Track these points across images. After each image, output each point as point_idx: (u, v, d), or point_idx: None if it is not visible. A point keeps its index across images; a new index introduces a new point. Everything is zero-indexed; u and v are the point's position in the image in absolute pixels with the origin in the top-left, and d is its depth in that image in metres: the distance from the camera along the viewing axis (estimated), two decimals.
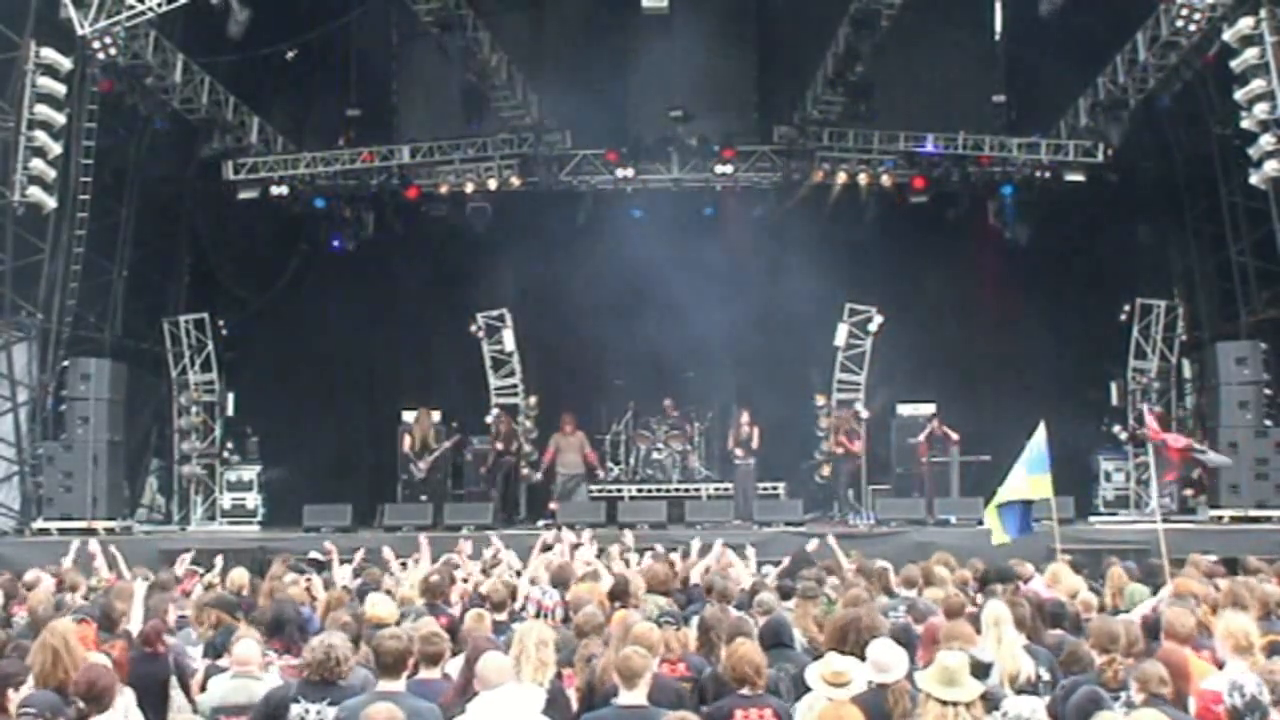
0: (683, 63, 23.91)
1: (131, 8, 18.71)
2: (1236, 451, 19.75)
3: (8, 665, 7.16)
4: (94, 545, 13.92)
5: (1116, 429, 22.42)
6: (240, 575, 12.14)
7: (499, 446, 22.31)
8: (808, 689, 7.20)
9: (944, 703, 6.58)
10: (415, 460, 21.95)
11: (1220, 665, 7.68)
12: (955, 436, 21.63)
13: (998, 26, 24.52)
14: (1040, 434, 13.59)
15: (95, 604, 10.18)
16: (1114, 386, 22.75)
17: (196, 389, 23.44)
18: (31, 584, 12.07)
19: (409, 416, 22.42)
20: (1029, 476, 13.71)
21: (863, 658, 7.20)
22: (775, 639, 8.23)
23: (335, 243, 25.03)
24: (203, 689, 8.25)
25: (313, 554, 15.28)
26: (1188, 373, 22.94)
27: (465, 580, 12.02)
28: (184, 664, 8.71)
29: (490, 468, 22.27)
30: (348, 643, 7.52)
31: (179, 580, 12.83)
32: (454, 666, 7.64)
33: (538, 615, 9.68)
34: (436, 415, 22.55)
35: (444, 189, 24.64)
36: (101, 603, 9.86)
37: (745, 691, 7.16)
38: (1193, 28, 18.50)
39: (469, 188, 24.47)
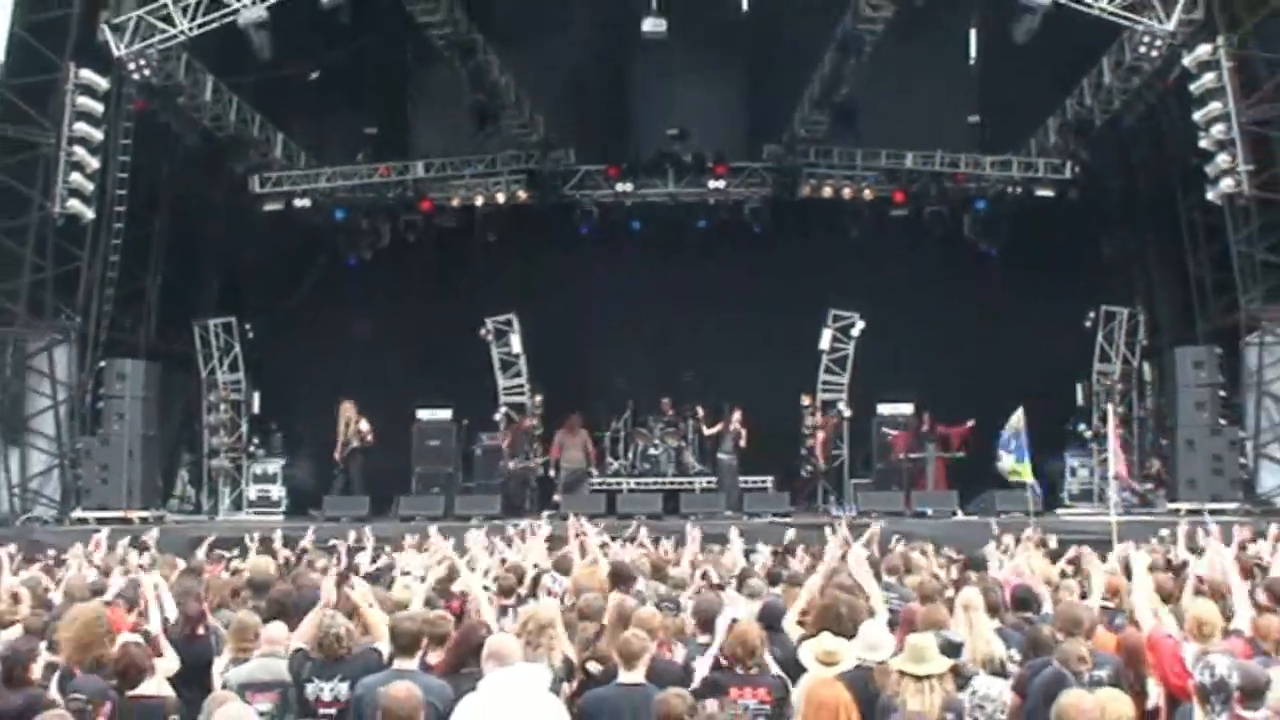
0: (679, 84, 24.12)
1: (164, 32, 18.77)
2: (1194, 449, 19.86)
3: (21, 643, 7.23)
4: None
5: (1081, 428, 22.48)
6: (263, 561, 12.15)
7: (523, 457, 22.43)
8: (799, 669, 7.24)
9: (918, 677, 6.67)
10: (340, 450, 22.00)
11: None
12: (953, 430, 21.76)
13: (973, 52, 24.60)
14: (1020, 419, 13.71)
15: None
16: (1080, 388, 22.81)
17: (224, 388, 23.47)
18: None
19: (424, 414, 22.43)
20: (1016, 464, 13.93)
21: (850, 638, 7.26)
22: (768, 622, 8.27)
23: (352, 260, 25.11)
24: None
25: (332, 541, 15.29)
26: (1148, 376, 22.97)
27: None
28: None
29: (515, 472, 22.35)
30: (342, 619, 7.57)
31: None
32: None
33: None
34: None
35: (455, 201, 24.72)
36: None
37: (741, 670, 7.21)
38: (1155, 54, 18.60)
39: (479, 200, 24.52)
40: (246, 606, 9.26)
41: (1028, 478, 15.63)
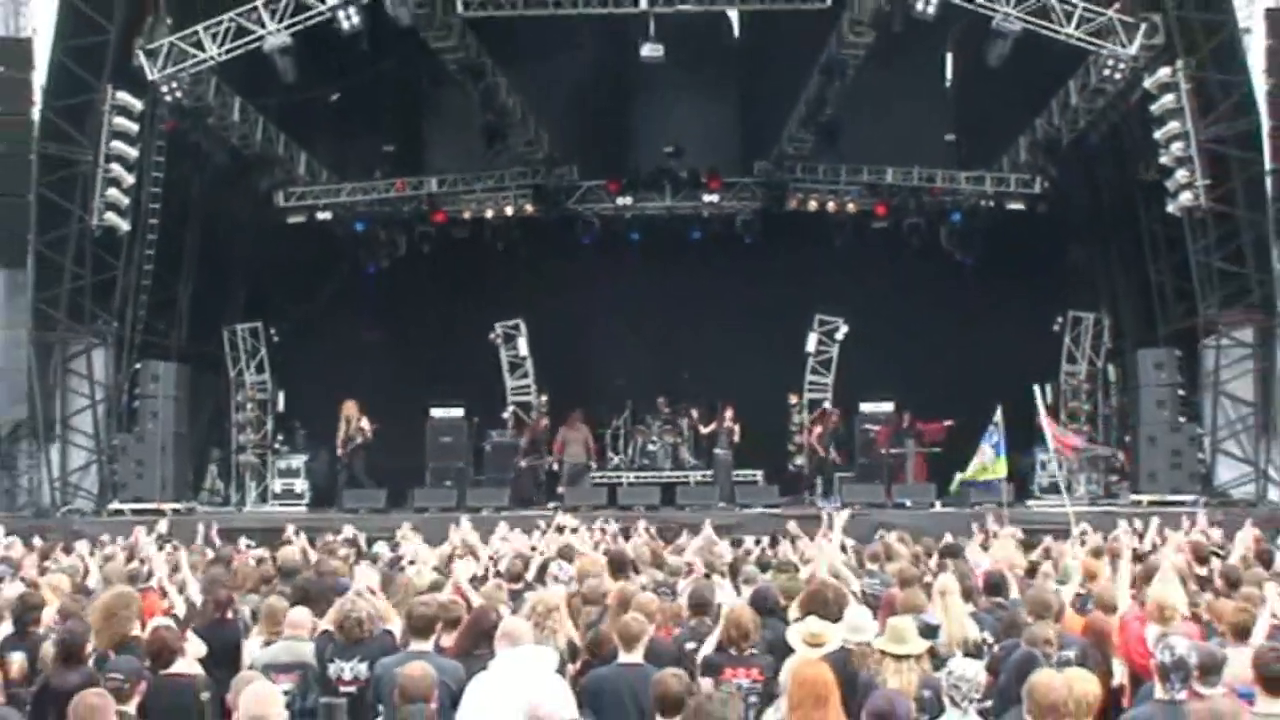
0: (675, 105, 24.17)
1: (195, 57, 18.80)
2: (1155, 445, 19.89)
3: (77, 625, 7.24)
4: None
5: None
6: (290, 551, 12.13)
7: (539, 451, 22.41)
8: (788, 650, 7.24)
9: (897, 657, 6.70)
10: (341, 446, 21.92)
11: None
12: (930, 426, 21.77)
13: (948, 75, 24.63)
14: (999, 417, 13.73)
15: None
16: (1049, 388, 22.77)
17: (251, 388, 23.45)
18: (109, 556, 12.13)
19: (437, 412, 22.40)
20: (997, 458, 13.86)
21: (835, 622, 7.26)
22: (761, 606, 8.26)
23: (370, 268, 25.13)
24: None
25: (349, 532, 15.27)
26: (1113, 376, 22.98)
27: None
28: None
29: (527, 467, 22.34)
30: (364, 605, 7.59)
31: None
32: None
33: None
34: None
35: (467, 214, 24.71)
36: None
37: (735, 651, 7.20)
38: (1118, 76, 18.64)
39: (488, 213, 24.54)
40: (276, 592, 9.29)
41: (1000, 473, 15.49)
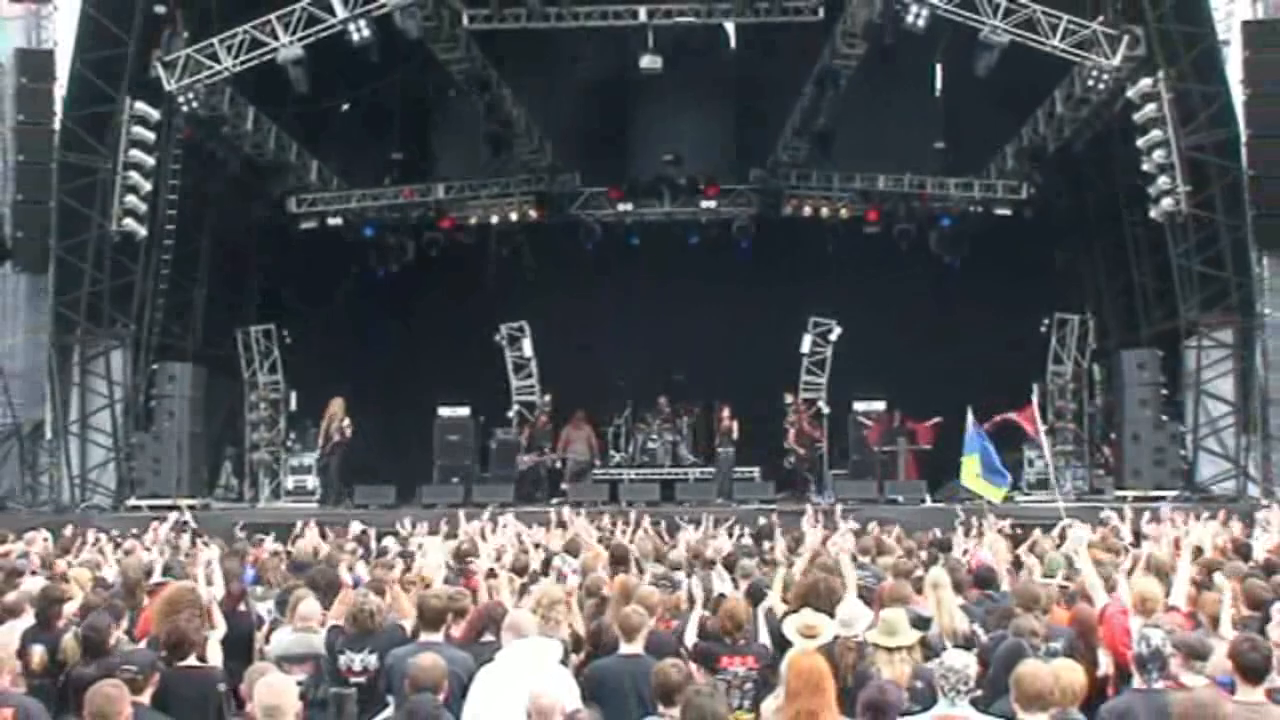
0: (674, 115, 24.17)
1: (211, 68, 18.83)
2: (1139, 442, 19.88)
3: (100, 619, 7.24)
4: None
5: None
6: (306, 544, 12.13)
7: (543, 448, 22.36)
8: (785, 641, 7.23)
9: (889, 649, 6.69)
10: (323, 443, 21.81)
11: None
12: (921, 426, 21.75)
13: (938, 85, 24.61)
14: (970, 420, 13.68)
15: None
16: (1035, 387, 22.71)
17: (264, 388, 23.39)
18: (128, 550, 12.13)
19: (445, 411, 22.35)
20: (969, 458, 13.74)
21: (829, 614, 7.25)
22: (756, 599, 8.25)
23: (380, 273, 25.10)
24: (267, 640, 8.28)
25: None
26: (1098, 376, 22.96)
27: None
28: (265, 620, 8.75)
29: (530, 465, 22.32)
30: (376, 598, 7.58)
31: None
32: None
33: (559, 581, 9.63)
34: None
35: (473, 220, 24.72)
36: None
37: (729, 641, 7.19)
38: (1101, 86, 18.63)
39: (494, 219, 24.53)
40: (288, 584, 9.28)
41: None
